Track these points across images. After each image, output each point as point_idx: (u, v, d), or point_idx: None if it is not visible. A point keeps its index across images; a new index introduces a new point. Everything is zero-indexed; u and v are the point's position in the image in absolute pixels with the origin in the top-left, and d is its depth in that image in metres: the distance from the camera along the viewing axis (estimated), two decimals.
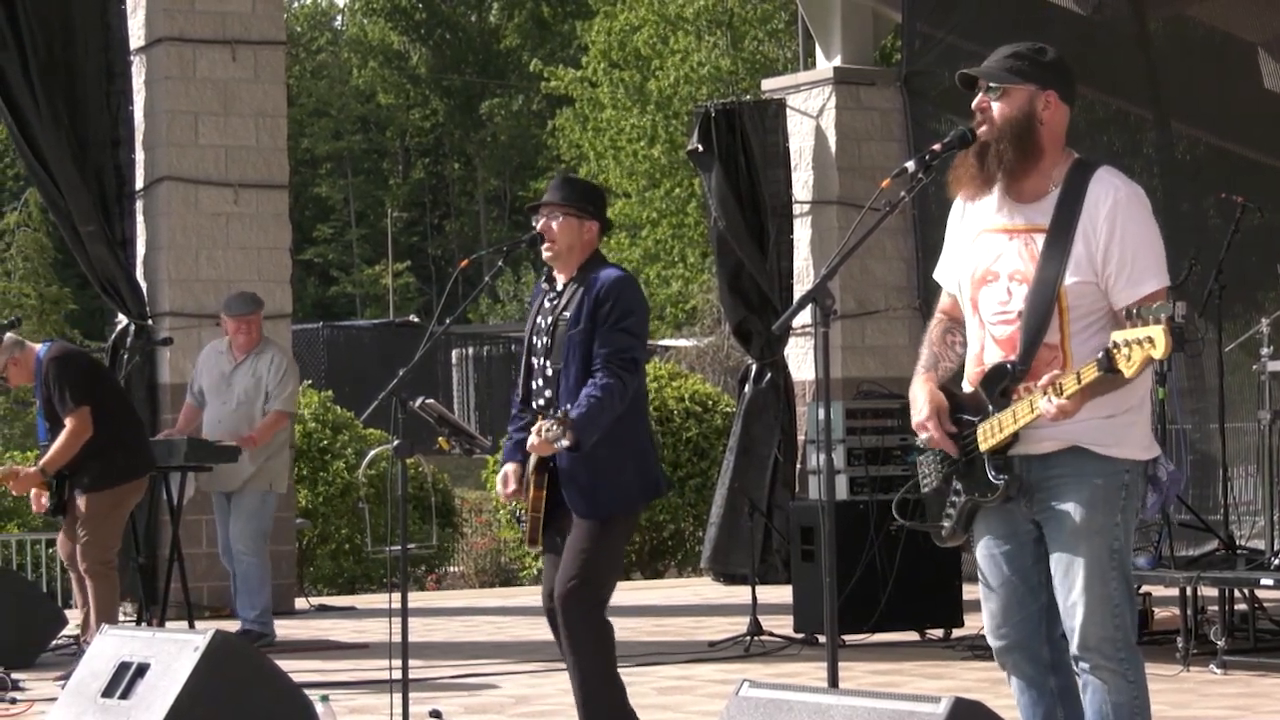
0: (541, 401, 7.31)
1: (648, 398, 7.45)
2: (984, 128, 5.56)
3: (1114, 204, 5.45)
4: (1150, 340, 5.02)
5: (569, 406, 7.00)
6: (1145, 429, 5.59)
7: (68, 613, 12.69)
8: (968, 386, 5.65)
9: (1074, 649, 5.51)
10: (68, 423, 10.65)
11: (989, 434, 5.51)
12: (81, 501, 10.69)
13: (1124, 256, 5.42)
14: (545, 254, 7.35)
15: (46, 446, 10.85)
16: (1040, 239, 5.51)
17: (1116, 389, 5.31)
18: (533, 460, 7.25)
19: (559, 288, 7.39)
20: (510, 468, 7.42)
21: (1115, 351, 5.09)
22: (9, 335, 11.16)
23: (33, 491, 11.01)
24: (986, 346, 5.61)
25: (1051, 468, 5.50)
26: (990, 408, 5.52)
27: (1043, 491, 5.52)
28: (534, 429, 6.99)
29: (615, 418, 7.11)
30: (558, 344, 7.24)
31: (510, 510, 7.57)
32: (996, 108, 5.55)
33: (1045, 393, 5.28)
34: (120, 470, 10.80)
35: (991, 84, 5.56)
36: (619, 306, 7.19)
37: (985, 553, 5.69)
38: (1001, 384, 5.49)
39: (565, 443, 6.91)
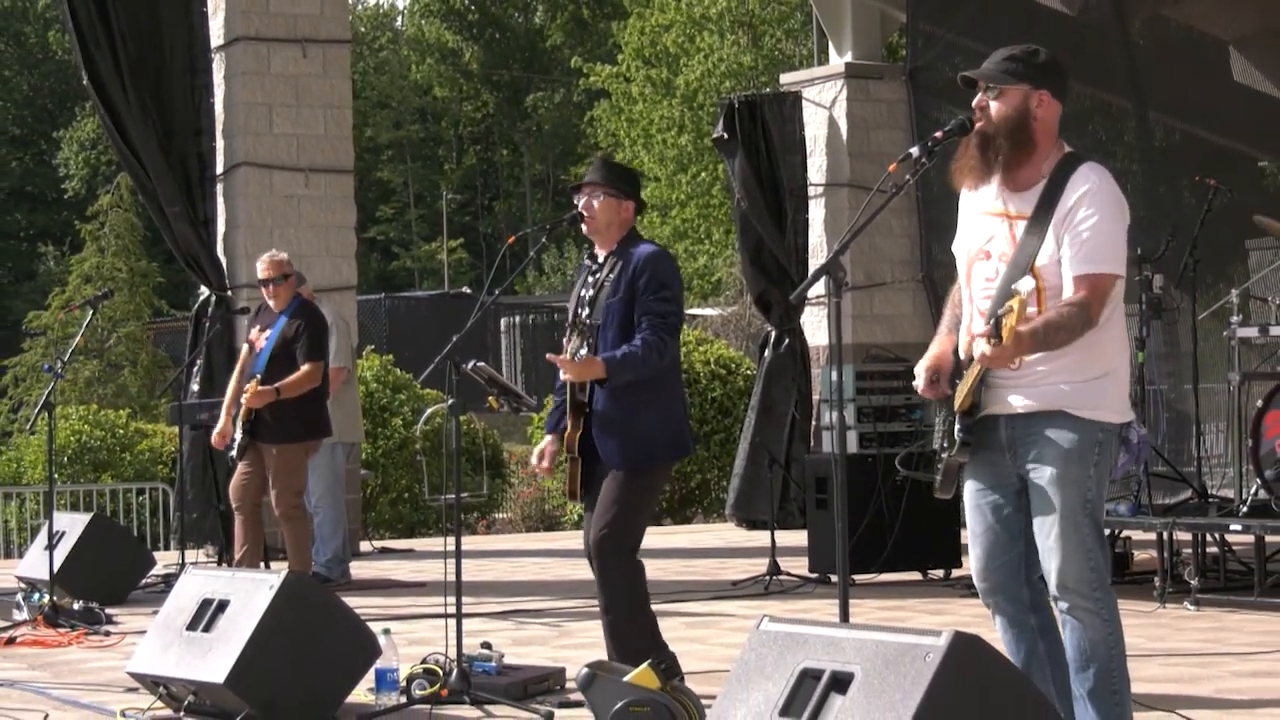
0: None
1: (680, 365, 7.42)
2: (983, 122, 5.54)
3: (1084, 193, 5.41)
4: (1010, 309, 5.09)
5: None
6: (1122, 395, 5.57)
7: (156, 554, 12.76)
8: (963, 354, 5.64)
9: (1053, 589, 5.49)
10: (305, 367, 10.72)
11: (959, 393, 5.54)
12: (276, 449, 10.69)
13: (1078, 236, 5.38)
14: (586, 229, 7.35)
15: (260, 377, 10.69)
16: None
17: (1051, 348, 5.32)
18: (569, 399, 7.25)
19: (600, 260, 7.38)
20: (548, 442, 7.44)
21: (1001, 321, 5.16)
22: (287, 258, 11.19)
23: (218, 432, 10.98)
24: (974, 317, 5.60)
25: (1034, 426, 5.48)
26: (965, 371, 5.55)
27: (1025, 447, 5.50)
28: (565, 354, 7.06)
29: (651, 373, 7.10)
30: (598, 310, 7.24)
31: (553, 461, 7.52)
32: (994, 106, 5.52)
33: (986, 340, 5.28)
34: (317, 427, 10.90)
35: (990, 84, 5.54)
36: (656, 279, 7.17)
37: (971, 503, 5.69)
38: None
39: (585, 352, 6.96)
